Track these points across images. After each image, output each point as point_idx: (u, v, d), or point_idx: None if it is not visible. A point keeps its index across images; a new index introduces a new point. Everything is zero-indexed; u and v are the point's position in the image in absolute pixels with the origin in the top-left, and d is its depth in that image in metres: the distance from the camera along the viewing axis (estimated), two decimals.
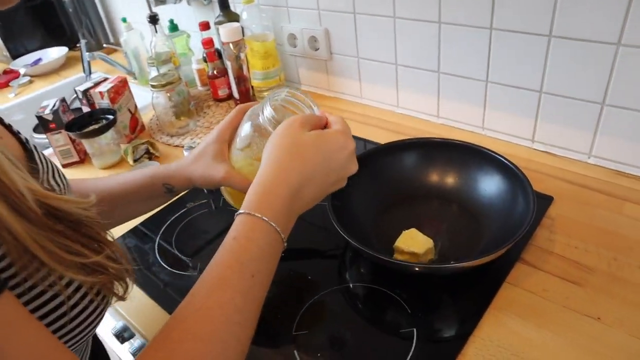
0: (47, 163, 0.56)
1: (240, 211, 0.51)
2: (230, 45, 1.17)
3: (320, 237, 0.83)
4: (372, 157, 0.84)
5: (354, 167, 0.59)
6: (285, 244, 0.53)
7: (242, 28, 1.18)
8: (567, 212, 0.80)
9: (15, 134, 0.57)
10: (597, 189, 0.83)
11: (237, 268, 0.47)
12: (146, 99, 1.30)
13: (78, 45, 1.81)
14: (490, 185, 0.80)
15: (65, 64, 1.90)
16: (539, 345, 0.61)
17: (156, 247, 0.88)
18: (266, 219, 0.50)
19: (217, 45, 1.29)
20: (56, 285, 0.42)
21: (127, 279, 0.49)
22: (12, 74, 1.83)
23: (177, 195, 0.73)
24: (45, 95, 1.68)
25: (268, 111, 0.62)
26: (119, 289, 0.48)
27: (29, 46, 1.95)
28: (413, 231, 0.73)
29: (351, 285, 0.74)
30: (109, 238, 0.48)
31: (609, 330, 0.61)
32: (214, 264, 0.48)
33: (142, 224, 0.94)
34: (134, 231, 0.93)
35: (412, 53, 1.03)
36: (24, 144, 0.56)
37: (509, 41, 0.87)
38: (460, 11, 0.91)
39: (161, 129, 1.25)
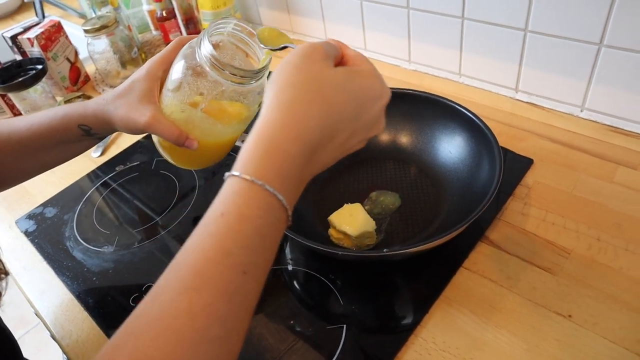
0: None
1: (234, 172, 0.34)
2: None
3: None
4: None
5: (382, 125, 0.42)
6: (290, 224, 0.36)
7: None
8: (548, 178, 0.66)
9: None
10: (587, 149, 0.69)
11: (223, 260, 0.32)
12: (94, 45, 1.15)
13: None
14: (453, 145, 0.66)
15: (22, 7, 1.74)
16: (492, 350, 0.49)
17: (75, 218, 0.77)
18: (271, 189, 0.33)
19: None
20: None
21: None
22: None
23: (100, 139, 0.60)
24: None
25: (206, 45, 0.48)
26: None
27: None
28: (356, 207, 0.60)
29: (290, 268, 0.62)
30: None
31: (579, 331, 0.49)
32: (190, 250, 0.33)
33: (65, 190, 0.83)
34: (55, 199, 0.82)
35: None
36: None
37: None
38: None
39: (105, 82, 1.11)
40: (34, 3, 1.50)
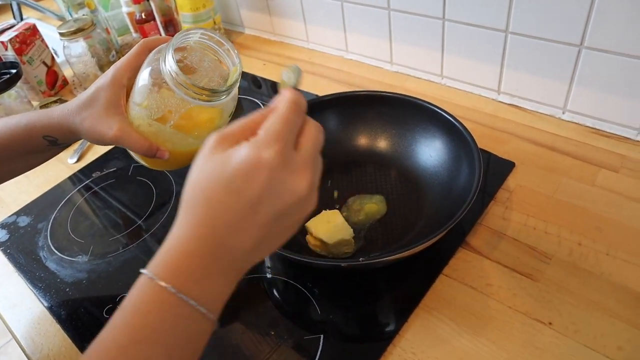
0: None
1: (142, 270, 0.34)
2: None
3: None
4: None
5: (300, 186, 0.33)
6: (213, 318, 0.34)
7: None
8: (530, 181, 0.65)
9: None
10: (569, 151, 0.68)
11: (116, 355, 0.31)
12: (72, 49, 1.13)
13: None
14: (433, 148, 0.65)
15: (0, 9, 1.70)
16: None
17: (49, 227, 0.75)
18: (170, 288, 0.32)
19: None
20: None
21: None
22: None
23: (65, 147, 0.58)
24: None
25: (169, 62, 0.45)
26: None
27: None
28: (334, 214, 0.59)
29: (268, 276, 0.61)
30: None
31: (560, 339, 0.48)
32: (95, 343, 0.32)
33: (40, 197, 0.81)
34: (29, 207, 0.80)
35: None
36: None
37: None
38: None
39: (82, 85, 1.09)
40: (11, 5, 1.47)
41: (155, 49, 0.51)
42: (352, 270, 0.57)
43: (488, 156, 0.69)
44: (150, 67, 0.49)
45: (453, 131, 0.62)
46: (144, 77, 0.49)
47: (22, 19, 1.48)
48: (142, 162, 0.57)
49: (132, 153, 0.57)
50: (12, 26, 1.07)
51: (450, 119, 0.63)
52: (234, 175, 0.32)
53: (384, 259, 0.50)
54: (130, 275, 0.64)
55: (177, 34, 0.47)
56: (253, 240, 0.33)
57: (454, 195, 0.59)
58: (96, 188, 0.80)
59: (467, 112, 0.78)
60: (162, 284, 0.32)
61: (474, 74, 0.80)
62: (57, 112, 0.53)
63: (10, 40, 0.99)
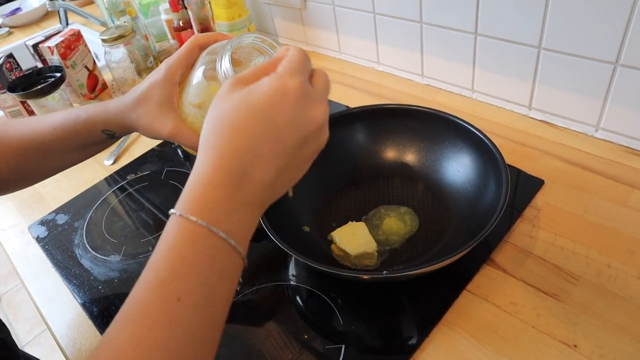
0: None
1: (171, 210, 0.36)
2: None
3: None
4: (329, 124, 0.70)
5: (318, 115, 0.37)
6: (241, 251, 0.36)
7: None
8: (559, 200, 0.64)
9: None
10: (601, 171, 0.67)
11: (157, 288, 0.34)
12: (113, 54, 1.17)
13: None
14: (461, 164, 0.65)
15: (48, 15, 1.78)
16: None
17: (85, 226, 0.78)
18: (200, 221, 0.34)
19: None
20: None
21: None
22: None
23: (120, 137, 0.61)
24: (21, 48, 1.58)
25: (225, 65, 0.45)
26: None
27: None
28: (360, 226, 0.60)
29: (292, 283, 0.62)
30: None
31: None
32: (137, 283, 0.35)
33: (77, 197, 0.84)
34: (66, 206, 0.83)
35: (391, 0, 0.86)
36: None
37: None
38: None
39: (121, 89, 1.13)
40: (58, 12, 1.53)
41: (208, 49, 0.51)
42: (375, 283, 0.58)
43: (517, 173, 0.69)
44: (203, 67, 0.50)
45: (481, 147, 0.62)
46: (197, 76, 0.51)
47: (67, 24, 1.54)
48: (193, 153, 0.58)
49: (183, 146, 0.58)
50: (58, 32, 1.12)
51: (479, 134, 0.62)
52: (261, 103, 0.35)
53: (407, 273, 0.51)
54: None
55: (234, 38, 0.48)
56: (274, 170, 0.36)
57: (480, 211, 0.59)
58: (130, 190, 0.83)
59: (497, 127, 0.78)
60: (192, 218, 0.34)
61: (505, 89, 0.80)
62: (113, 107, 0.55)
63: (56, 45, 1.04)
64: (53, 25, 1.69)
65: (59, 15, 1.54)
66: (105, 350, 0.32)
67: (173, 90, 0.52)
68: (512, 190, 0.63)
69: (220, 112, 0.37)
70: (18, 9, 1.75)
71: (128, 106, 0.54)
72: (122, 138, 0.91)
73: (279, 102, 0.36)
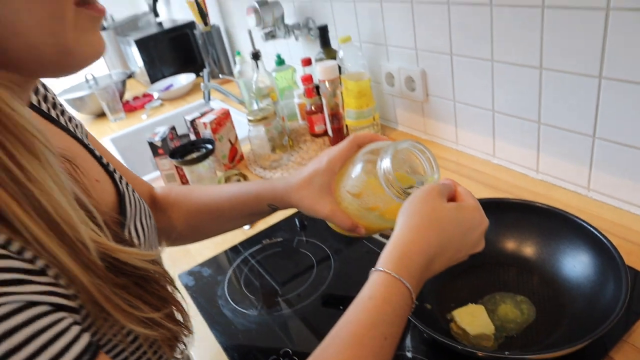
0: (137, 205, 0.58)
1: (379, 268, 0.50)
2: (326, 83, 1.18)
3: None
4: None
5: (482, 246, 0.57)
6: (416, 302, 0.51)
7: (339, 66, 1.19)
8: None
9: (111, 174, 0.58)
10: None
11: (372, 328, 0.47)
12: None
13: (201, 74, 1.98)
14: (578, 260, 0.69)
15: (192, 90, 2.08)
16: None
17: (226, 281, 0.91)
18: (404, 282, 0.49)
19: (315, 81, 1.31)
20: (118, 335, 0.43)
21: (183, 341, 0.50)
22: (149, 97, 2.06)
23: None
24: (171, 119, 1.85)
25: (386, 165, 0.56)
26: (174, 347, 0.49)
27: (165, 72, 2.18)
28: (479, 309, 0.66)
29: (409, 355, 0.68)
30: (176, 296, 0.50)
31: None
32: (348, 321, 0.47)
33: (220, 254, 0.98)
34: (210, 261, 0.97)
35: (510, 100, 0.94)
36: (117, 185, 0.58)
37: (620, 91, 0.76)
38: (564, 57, 0.81)
39: (256, 161, 1.30)
40: (203, 91, 1.80)
41: (367, 148, 0.62)
42: None
43: (635, 273, 0.71)
44: (362, 164, 0.61)
45: (599, 245, 0.66)
46: (356, 170, 0.61)
47: (209, 99, 1.80)
48: (336, 229, 0.68)
49: (328, 223, 0.68)
50: (210, 110, 1.32)
51: (597, 233, 0.67)
52: (465, 222, 0.54)
53: (531, 356, 0.55)
54: (289, 333, 0.76)
55: (393, 143, 0.59)
56: (444, 266, 0.54)
57: (598, 308, 0.63)
58: (265, 253, 0.95)
59: (614, 227, 0.81)
60: (392, 273, 0.49)
61: (622, 191, 0.83)
62: (280, 187, 0.67)
63: (210, 122, 1.24)
64: (197, 99, 1.97)
65: (204, 93, 1.80)
66: None
67: (332, 178, 0.63)
68: (631, 290, 0.66)
69: (434, 209, 0.54)
70: (171, 85, 2.07)
71: (293, 188, 0.65)
72: None
73: (475, 228, 0.55)
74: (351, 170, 0.62)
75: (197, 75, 2.14)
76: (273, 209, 0.69)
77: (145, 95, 2.12)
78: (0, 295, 0.32)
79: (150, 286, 0.45)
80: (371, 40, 1.23)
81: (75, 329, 0.36)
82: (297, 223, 1.02)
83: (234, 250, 0.99)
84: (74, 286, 0.38)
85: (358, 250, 0.91)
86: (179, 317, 0.50)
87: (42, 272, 0.36)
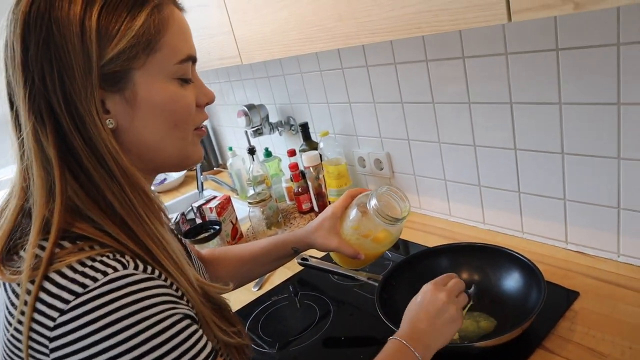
0: (195, 261, 0.80)
1: (396, 337, 0.72)
2: (311, 169, 1.46)
3: (376, 326, 1.01)
4: (416, 259, 1.05)
5: (459, 321, 0.77)
6: None
7: (320, 155, 1.47)
8: (591, 305, 0.90)
9: (180, 239, 0.80)
10: (624, 284, 0.94)
11: None
12: (245, 211, 1.60)
13: (194, 167, 2.23)
14: (513, 279, 0.95)
15: (183, 182, 2.33)
16: None
17: (245, 328, 1.10)
18: (418, 354, 0.70)
19: (301, 167, 1.59)
20: (213, 342, 0.59)
21: (246, 351, 0.68)
22: None
23: (298, 254, 0.97)
24: (169, 207, 2.07)
25: (374, 203, 0.84)
26: (241, 354, 0.67)
27: None
28: None
29: None
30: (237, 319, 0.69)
31: None
32: None
33: (238, 310, 1.18)
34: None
35: (456, 171, 1.23)
36: (185, 247, 0.80)
37: (530, 158, 1.05)
38: (488, 136, 1.11)
39: (255, 237, 1.52)
40: (197, 181, 2.04)
41: (359, 197, 0.90)
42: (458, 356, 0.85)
43: (557, 288, 0.96)
44: (356, 207, 0.88)
45: (527, 267, 0.92)
46: (354, 211, 0.88)
47: (202, 189, 2.04)
48: (339, 263, 0.94)
49: (334, 257, 0.94)
50: (214, 197, 1.57)
51: (525, 260, 0.92)
52: (451, 313, 0.76)
53: (473, 344, 0.78)
54: None
55: (377, 189, 0.86)
56: (441, 345, 0.74)
57: (526, 308, 0.86)
58: (276, 307, 1.16)
59: (537, 255, 1.07)
60: (405, 342, 0.71)
61: (546, 230, 1.10)
62: (300, 233, 0.93)
63: (215, 206, 1.48)
64: (189, 190, 2.21)
65: (197, 184, 2.04)
66: None
67: (336, 222, 0.90)
68: (554, 299, 0.90)
69: (435, 300, 0.76)
70: (165, 179, 2.31)
71: (309, 232, 0.92)
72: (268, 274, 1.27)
73: (458, 319, 0.77)
74: (350, 213, 0.90)
75: (189, 169, 2.39)
76: (295, 250, 0.93)
77: None
78: (172, 308, 0.53)
79: (224, 310, 0.67)
80: (344, 132, 1.53)
81: (205, 336, 0.56)
82: (291, 289, 1.23)
83: (248, 307, 1.18)
84: (194, 306, 0.58)
85: (348, 311, 1.13)
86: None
87: (182, 297, 0.57)
